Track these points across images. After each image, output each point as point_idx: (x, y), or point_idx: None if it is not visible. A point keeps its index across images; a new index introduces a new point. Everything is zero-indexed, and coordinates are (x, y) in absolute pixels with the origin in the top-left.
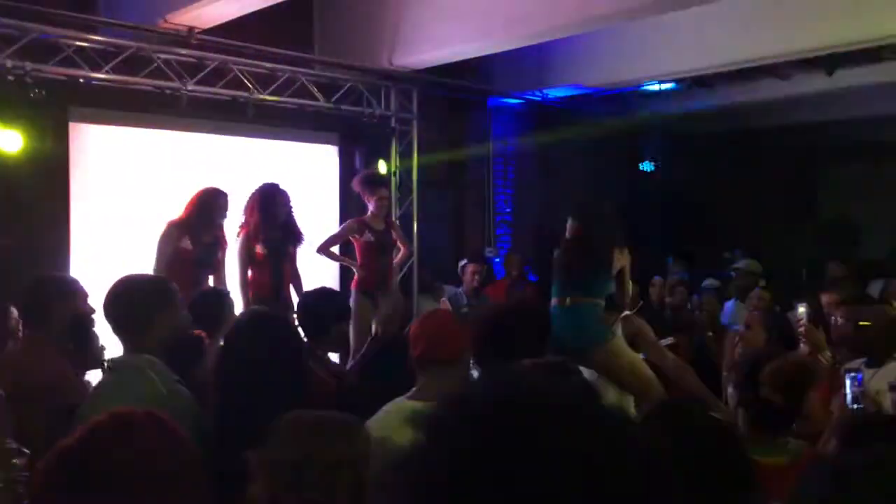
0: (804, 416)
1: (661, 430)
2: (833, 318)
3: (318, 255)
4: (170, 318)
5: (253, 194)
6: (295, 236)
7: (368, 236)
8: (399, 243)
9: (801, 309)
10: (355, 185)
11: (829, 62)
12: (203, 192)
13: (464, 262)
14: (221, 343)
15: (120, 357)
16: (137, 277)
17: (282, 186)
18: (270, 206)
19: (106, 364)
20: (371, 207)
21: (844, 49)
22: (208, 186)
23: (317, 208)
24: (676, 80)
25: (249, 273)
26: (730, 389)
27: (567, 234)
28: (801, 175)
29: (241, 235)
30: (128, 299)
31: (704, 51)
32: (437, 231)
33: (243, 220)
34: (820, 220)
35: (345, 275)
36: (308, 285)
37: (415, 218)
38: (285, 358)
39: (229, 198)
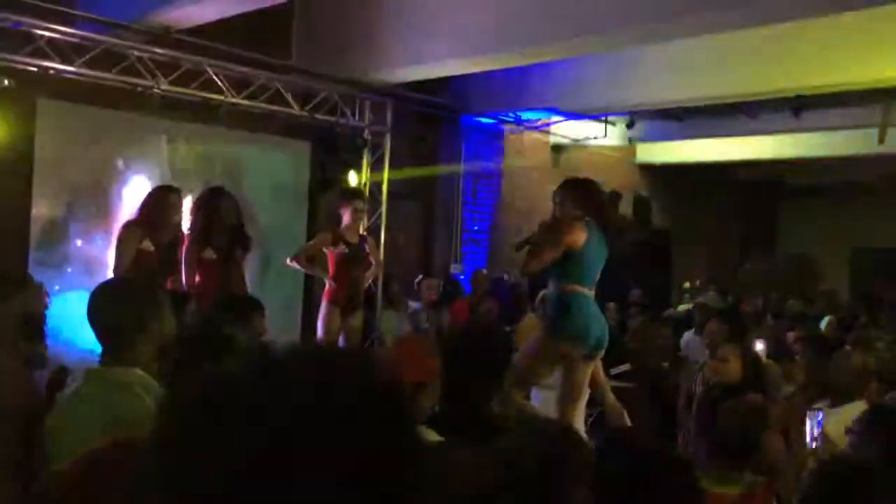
0: (762, 453)
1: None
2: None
3: (290, 263)
4: (162, 328)
5: (197, 198)
6: (243, 242)
7: (342, 248)
8: (372, 258)
9: (760, 345)
10: (332, 197)
11: (797, 103)
12: (155, 190)
13: (419, 278)
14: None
15: (103, 369)
16: (126, 281)
17: (227, 190)
18: (215, 210)
19: (85, 375)
20: (346, 219)
21: (811, 92)
22: (159, 185)
23: (285, 216)
24: (647, 111)
25: (196, 278)
26: (691, 422)
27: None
28: (762, 210)
29: (188, 240)
30: (117, 305)
31: (676, 84)
32: (405, 244)
33: (189, 225)
34: (777, 255)
35: (311, 285)
36: (273, 294)
37: (383, 230)
38: None
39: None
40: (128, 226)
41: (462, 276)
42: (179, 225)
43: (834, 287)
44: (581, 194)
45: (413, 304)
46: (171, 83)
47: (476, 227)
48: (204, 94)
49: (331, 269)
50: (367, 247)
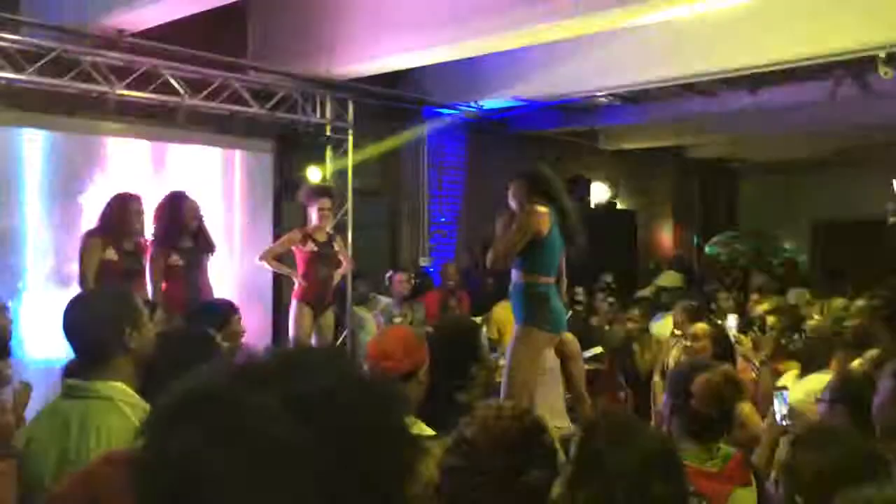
0: (737, 425)
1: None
2: (763, 327)
3: (259, 263)
4: (141, 338)
5: (160, 203)
6: (207, 246)
7: (311, 246)
8: (341, 257)
9: (732, 319)
10: (301, 195)
11: (752, 81)
12: (115, 198)
13: (390, 273)
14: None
15: (83, 383)
16: (101, 292)
17: (189, 194)
18: (178, 214)
19: (63, 389)
20: (314, 218)
21: (766, 69)
22: (119, 192)
23: (250, 216)
24: (607, 95)
25: (162, 285)
26: (664, 398)
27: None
28: (723, 188)
29: (152, 246)
30: (94, 319)
31: (635, 68)
32: (373, 240)
33: (152, 231)
34: (740, 232)
35: (279, 285)
36: (244, 294)
37: (350, 227)
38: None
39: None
40: (89, 236)
41: (431, 269)
42: (142, 232)
43: (796, 260)
44: (538, 184)
45: (383, 300)
46: (126, 87)
47: (443, 219)
48: (161, 96)
49: (300, 269)
50: (335, 246)
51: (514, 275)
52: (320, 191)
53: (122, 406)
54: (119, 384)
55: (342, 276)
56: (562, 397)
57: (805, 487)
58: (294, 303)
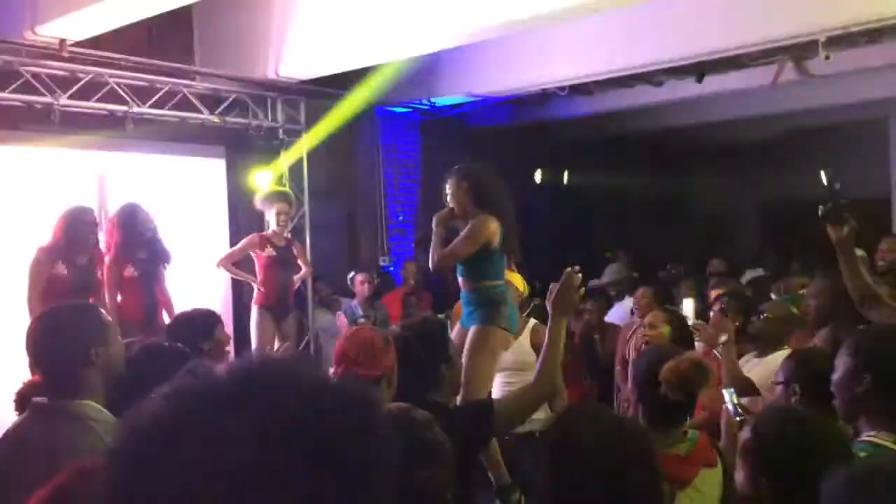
0: (702, 409)
1: (577, 431)
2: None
3: (217, 268)
4: (110, 353)
5: (113, 216)
6: (162, 256)
7: (270, 251)
8: (300, 261)
9: (689, 304)
10: (256, 201)
11: (699, 69)
12: (68, 211)
13: (352, 274)
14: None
15: (51, 402)
16: (66, 308)
17: (144, 205)
18: (133, 226)
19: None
20: (272, 222)
21: (712, 57)
22: (72, 206)
23: (205, 224)
24: (558, 88)
25: (119, 298)
26: (629, 385)
27: None
28: (674, 175)
29: (107, 259)
30: (60, 337)
31: (584, 60)
32: (331, 242)
33: (106, 244)
34: (694, 218)
35: (238, 291)
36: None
37: (307, 231)
38: None
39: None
40: (39, 251)
41: (392, 269)
42: (96, 245)
43: (748, 242)
44: (481, 188)
45: (344, 301)
46: (70, 98)
47: (401, 218)
48: (107, 106)
49: (260, 275)
50: (294, 250)
51: (466, 283)
52: (277, 195)
53: (93, 425)
54: (89, 402)
55: (302, 280)
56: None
57: (768, 468)
58: (254, 309)
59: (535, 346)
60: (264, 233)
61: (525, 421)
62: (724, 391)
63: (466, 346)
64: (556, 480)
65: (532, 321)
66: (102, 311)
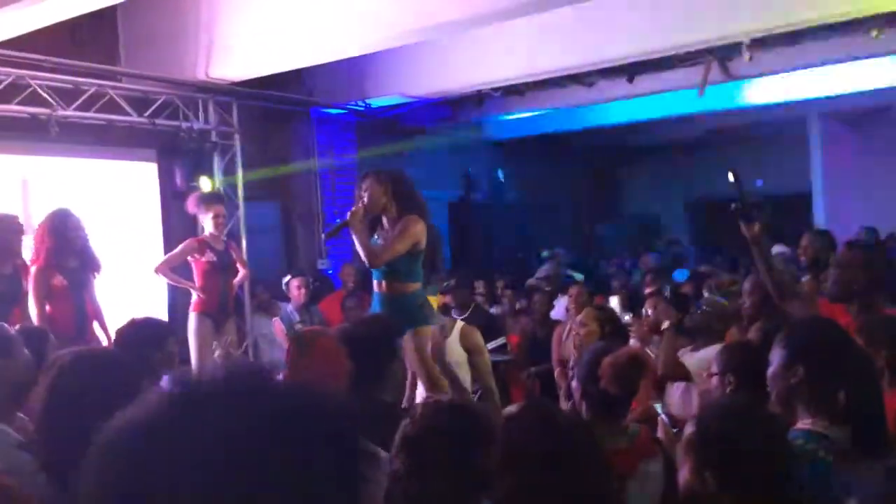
0: (636, 400)
1: (529, 428)
2: (649, 308)
3: (155, 274)
4: (11, 368)
5: (43, 221)
6: (93, 264)
7: (210, 256)
8: (239, 264)
9: (614, 300)
10: (189, 205)
11: (629, 70)
12: None
13: (287, 278)
14: (46, 391)
15: None
16: None
17: (75, 211)
18: (64, 232)
19: None
20: (209, 226)
21: (642, 58)
22: None
23: (137, 229)
24: (492, 89)
25: (48, 307)
26: (573, 383)
27: None
28: (606, 174)
29: (35, 267)
30: None
31: (518, 61)
32: (267, 246)
33: (34, 251)
34: (625, 216)
35: (176, 296)
36: (136, 310)
37: (242, 234)
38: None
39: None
40: None
41: (330, 271)
42: (20, 253)
43: (676, 239)
44: (400, 188)
45: (283, 305)
46: None
47: (338, 220)
48: (30, 108)
49: (199, 280)
50: (233, 254)
51: (392, 287)
52: (213, 198)
53: None
54: None
55: (240, 284)
56: (469, 390)
57: (710, 461)
58: (193, 315)
59: (465, 347)
60: (201, 236)
61: None
62: (657, 405)
63: (411, 351)
64: (511, 481)
65: (460, 322)
66: (5, 326)
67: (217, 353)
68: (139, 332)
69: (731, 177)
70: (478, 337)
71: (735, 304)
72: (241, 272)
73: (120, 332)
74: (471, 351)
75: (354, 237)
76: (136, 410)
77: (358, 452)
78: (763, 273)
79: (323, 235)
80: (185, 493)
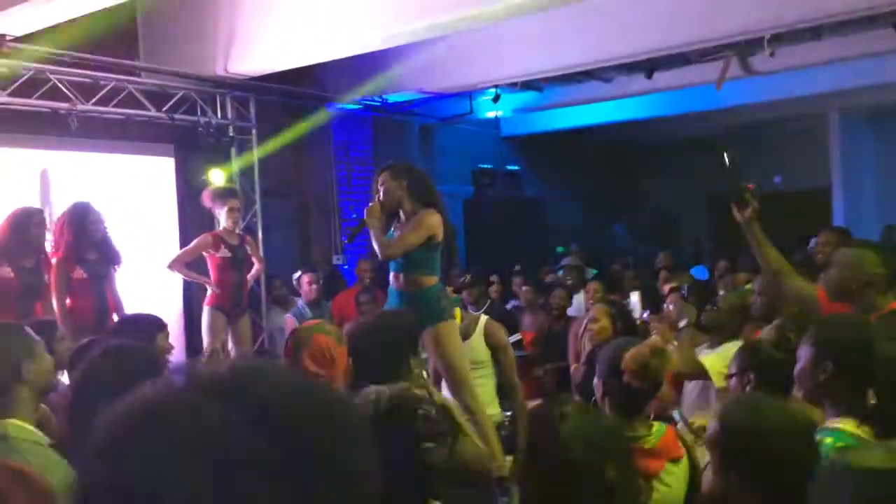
0: (657, 398)
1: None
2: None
3: (169, 271)
4: (39, 368)
5: (63, 214)
6: (112, 257)
7: (224, 251)
8: (254, 258)
9: (635, 297)
10: (204, 199)
11: (648, 66)
12: (15, 212)
13: (298, 274)
14: (73, 384)
15: None
16: None
17: (94, 205)
18: (83, 226)
19: None
20: (224, 221)
21: (661, 54)
22: (20, 206)
23: (154, 223)
24: (509, 84)
25: (68, 301)
26: (595, 380)
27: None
28: (625, 170)
29: (56, 260)
30: None
31: (535, 56)
32: (283, 241)
33: (53, 244)
34: (644, 212)
35: (190, 291)
36: (150, 303)
37: (259, 229)
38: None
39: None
40: None
41: (346, 267)
42: (43, 247)
43: (697, 235)
44: (417, 185)
45: (299, 301)
46: (10, 95)
47: (354, 215)
48: (50, 103)
49: (214, 275)
50: (248, 248)
51: (409, 280)
52: (228, 192)
53: (16, 444)
54: (16, 421)
55: (255, 277)
56: (493, 385)
57: (734, 457)
58: (207, 310)
59: (489, 345)
60: (216, 231)
61: None
62: (674, 412)
63: (435, 348)
64: (541, 477)
65: (484, 318)
66: (27, 327)
67: (230, 347)
68: (129, 328)
69: (725, 159)
70: (503, 333)
71: (748, 300)
72: (256, 266)
73: (113, 328)
74: (496, 348)
75: (370, 232)
76: (129, 403)
77: (358, 452)
78: (758, 254)
79: (345, 239)
80: (177, 489)
